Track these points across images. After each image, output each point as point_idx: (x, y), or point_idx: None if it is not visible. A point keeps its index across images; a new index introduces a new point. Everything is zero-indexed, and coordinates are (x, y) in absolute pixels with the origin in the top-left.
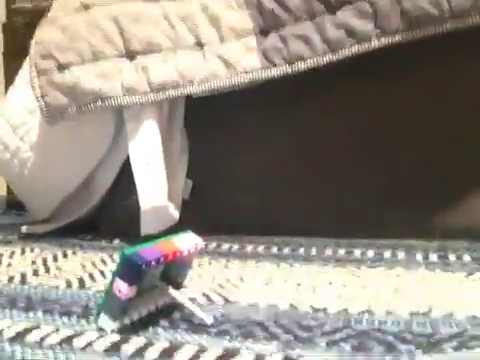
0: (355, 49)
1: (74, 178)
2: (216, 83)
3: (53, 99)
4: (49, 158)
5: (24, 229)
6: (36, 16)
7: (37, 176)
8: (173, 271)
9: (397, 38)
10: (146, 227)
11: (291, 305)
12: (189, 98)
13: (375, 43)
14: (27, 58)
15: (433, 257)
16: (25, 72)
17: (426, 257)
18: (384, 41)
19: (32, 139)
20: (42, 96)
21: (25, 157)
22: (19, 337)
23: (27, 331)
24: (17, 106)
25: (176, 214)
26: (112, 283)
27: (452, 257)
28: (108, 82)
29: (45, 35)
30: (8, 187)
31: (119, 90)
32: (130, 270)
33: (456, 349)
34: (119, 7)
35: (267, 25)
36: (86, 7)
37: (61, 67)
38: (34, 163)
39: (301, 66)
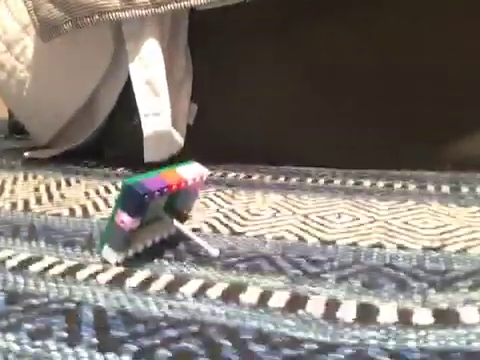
0: None
1: (74, 100)
2: None
3: (47, 12)
4: (47, 78)
5: (27, 154)
6: None
7: (36, 98)
8: (178, 202)
9: None
10: (150, 154)
11: (299, 238)
12: (193, 15)
13: None
14: None
15: (445, 189)
16: None
17: (438, 189)
18: None
19: (28, 58)
20: (34, 9)
21: (22, 77)
22: (22, 267)
23: (30, 262)
24: (9, 21)
25: (181, 140)
26: (114, 214)
27: (465, 189)
28: None
29: None
30: (10, 110)
31: (117, 2)
32: (133, 201)
33: (471, 288)
34: None
35: None
36: None
37: None
38: (32, 84)
39: None
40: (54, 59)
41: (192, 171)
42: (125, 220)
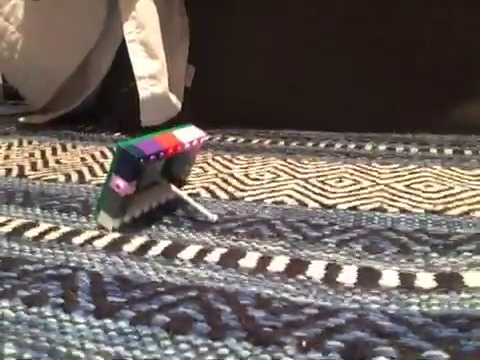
0: None
1: (68, 63)
2: None
3: None
4: (38, 41)
5: (21, 119)
6: None
7: (28, 61)
8: (175, 167)
9: None
10: (147, 118)
11: (299, 202)
12: None
13: None
14: None
15: (448, 152)
16: None
17: (441, 152)
18: None
19: (18, 18)
20: None
21: (13, 39)
22: (17, 233)
23: (25, 227)
24: None
25: (178, 104)
26: (109, 179)
27: (468, 152)
28: None
29: None
30: (3, 75)
31: None
32: (127, 165)
33: (474, 252)
34: None
35: None
36: None
37: None
38: (23, 46)
39: None
40: (45, 20)
41: (189, 135)
42: (120, 185)
